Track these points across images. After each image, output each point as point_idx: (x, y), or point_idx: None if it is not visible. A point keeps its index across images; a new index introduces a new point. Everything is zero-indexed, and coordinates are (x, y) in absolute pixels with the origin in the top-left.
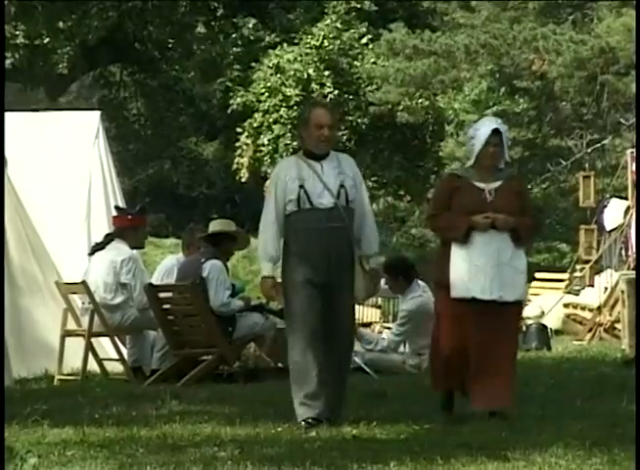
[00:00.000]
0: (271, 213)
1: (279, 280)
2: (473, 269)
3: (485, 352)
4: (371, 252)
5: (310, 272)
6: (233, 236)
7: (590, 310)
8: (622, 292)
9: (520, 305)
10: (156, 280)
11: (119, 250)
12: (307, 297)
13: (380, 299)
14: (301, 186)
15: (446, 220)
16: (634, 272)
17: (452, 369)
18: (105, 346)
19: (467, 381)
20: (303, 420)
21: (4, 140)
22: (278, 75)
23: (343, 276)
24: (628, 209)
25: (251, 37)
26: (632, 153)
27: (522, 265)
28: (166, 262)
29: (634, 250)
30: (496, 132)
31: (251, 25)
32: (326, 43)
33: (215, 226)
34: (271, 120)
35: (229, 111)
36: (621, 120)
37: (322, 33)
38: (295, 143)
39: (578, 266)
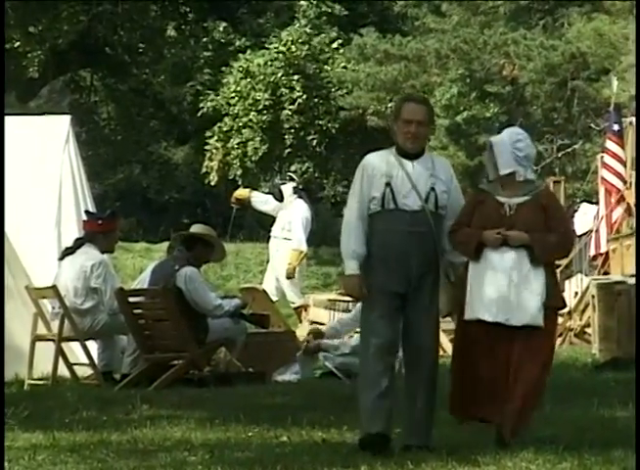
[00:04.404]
0: (355, 209)
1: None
2: (482, 289)
3: (495, 379)
4: (459, 259)
5: (388, 279)
6: (210, 244)
7: (560, 315)
8: (593, 296)
9: (538, 329)
10: (142, 284)
11: (89, 254)
12: (383, 306)
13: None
14: (388, 184)
15: (462, 236)
16: (604, 277)
17: (467, 396)
18: (75, 350)
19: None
20: (362, 437)
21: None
22: (248, 80)
23: (426, 286)
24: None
25: (222, 41)
26: (602, 158)
27: (537, 287)
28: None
29: (593, 252)
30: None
31: (221, 29)
32: (294, 48)
33: (196, 230)
34: (240, 124)
35: (199, 114)
36: (592, 126)
37: (290, 38)
38: (264, 147)
39: None
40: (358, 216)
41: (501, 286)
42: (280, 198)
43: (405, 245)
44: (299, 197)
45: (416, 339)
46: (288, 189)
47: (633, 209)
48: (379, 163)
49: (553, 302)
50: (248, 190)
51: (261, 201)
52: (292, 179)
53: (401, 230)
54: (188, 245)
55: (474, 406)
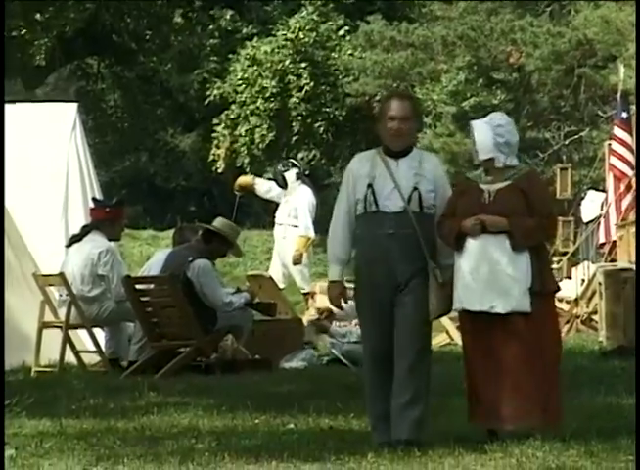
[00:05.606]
0: (342, 212)
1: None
2: (466, 278)
3: (491, 370)
4: (450, 262)
5: (374, 287)
6: (229, 241)
7: (567, 302)
8: (600, 284)
9: (525, 316)
10: (148, 272)
11: (96, 241)
12: (372, 312)
13: None
14: (370, 185)
15: (444, 228)
16: (611, 264)
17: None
18: (82, 338)
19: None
20: (378, 443)
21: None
22: (255, 67)
23: (413, 289)
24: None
25: (229, 29)
26: (609, 145)
27: (519, 272)
28: (160, 255)
29: (603, 240)
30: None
31: (228, 17)
32: (301, 35)
33: (219, 225)
34: (248, 112)
35: (206, 102)
36: (599, 113)
37: (298, 25)
38: (271, 134)
39: (555, 258)
40: (344, 221)
41: (483, 274)
42: (283, 185)
43: (387, 248)
44: (303, 183)
45: (402, 339)
46: (291, 176)
47: None
48: (363, 164)
49: (539, 286)
50: (251, 177)
51: (265, 189)
52: (294, 166)
53: (382, 234)
54: (206, 237)
55: (486, 413)
